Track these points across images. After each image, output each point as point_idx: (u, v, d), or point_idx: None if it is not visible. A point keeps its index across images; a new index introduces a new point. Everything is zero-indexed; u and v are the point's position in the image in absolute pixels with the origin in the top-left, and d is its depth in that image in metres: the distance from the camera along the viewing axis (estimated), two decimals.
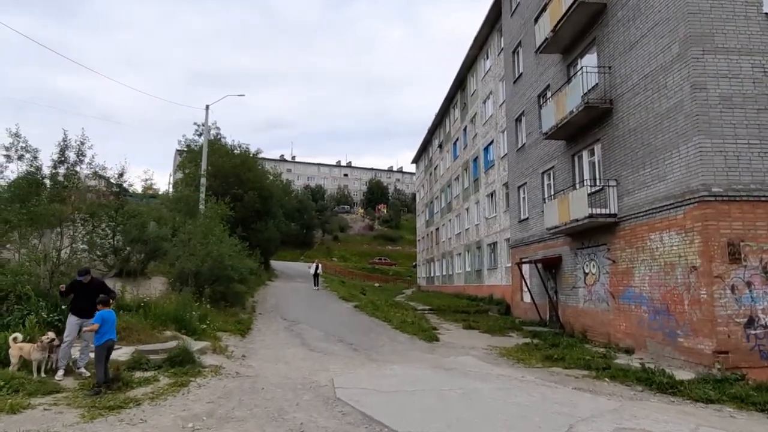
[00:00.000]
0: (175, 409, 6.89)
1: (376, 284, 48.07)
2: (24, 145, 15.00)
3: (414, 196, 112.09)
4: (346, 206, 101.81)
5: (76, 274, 9.74)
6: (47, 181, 14.35)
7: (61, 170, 14.75)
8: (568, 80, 16.82)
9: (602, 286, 15.23)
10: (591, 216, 14.51)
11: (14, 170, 15.10)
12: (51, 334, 8.76)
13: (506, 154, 25.54)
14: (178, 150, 31.40)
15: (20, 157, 14.82)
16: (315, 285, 31.25)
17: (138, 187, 20.03)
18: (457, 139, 36.89)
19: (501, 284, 26.42)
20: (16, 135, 14.88)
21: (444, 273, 40.22)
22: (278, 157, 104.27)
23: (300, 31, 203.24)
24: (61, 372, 8.71)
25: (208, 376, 9.28)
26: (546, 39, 17.55)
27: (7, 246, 14.92)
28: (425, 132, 47.46)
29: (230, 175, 35.65)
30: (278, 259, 53.64)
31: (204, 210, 23.60)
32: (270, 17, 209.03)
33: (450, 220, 38.60)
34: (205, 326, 12.98)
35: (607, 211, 14.55)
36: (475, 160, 32.17)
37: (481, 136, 31.07)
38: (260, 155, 40.99)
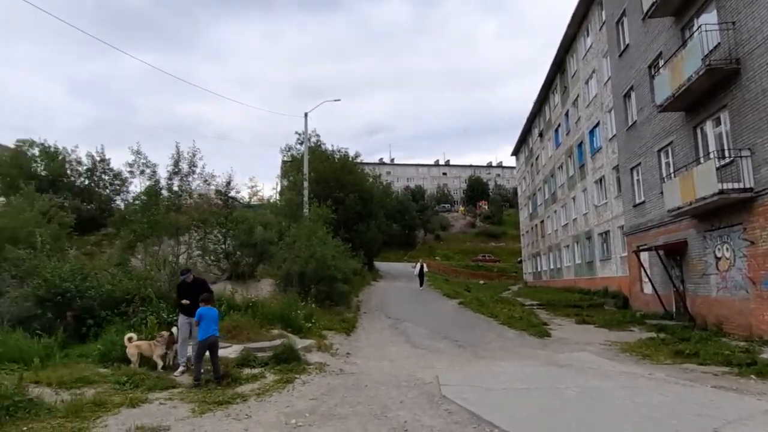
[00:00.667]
0: (279, 406, 6.88)
1: (481, 281, 46.87)
2: (145, 161, 16.40)
3: (515, 190, 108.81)
4: (446, 205, 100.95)
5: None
6: (165, 192, 15.50)
7: (176, 181, 15.86)
8: (684, 44, 14.98)
9: (739, 272, 13.31)
10: (721, 192, 12.73)
11: (137, 184, 16.51)
12: (165, 333, 9.26)
13: (615, 135, 23.52)
14: (283, 160, 32.67)
15: (142, 172, 16.19)
16: (420, 285, 30.89)
17: (245, 195, 21.12)
18: (559, 126, 34.80)
19: (616, 275, 24.34)
20: (138, 152, 16.32)
21: (551, 267, 38.15)
22: (377, 161, 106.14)
23: (392, 37, 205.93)
24: (180, 368, 9.18)
25: (312, 373, 9.29)
26: (654, 2, 15.81)
27: (136, 255, 16.31)
28: (524, 122, 45.54)
29: (331, 179, 36.61)
30: (381, 260, 54.31)
31: (307, 214, 24.40)
32: (362, 27, 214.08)
33: (555, 212, 36.52)
34: (310, 325, 13.18)
35: (741, 186, 12.68)
36: (580, 145, 30.09)
37: (585, 119, 28.99)
38: (359, 159, 41.63)
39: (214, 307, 9.00)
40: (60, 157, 37.57)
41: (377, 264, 47.17)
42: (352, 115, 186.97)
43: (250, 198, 21.74)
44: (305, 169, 30.50)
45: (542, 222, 41.33)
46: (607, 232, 25.83)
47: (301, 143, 36.52)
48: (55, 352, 9.25)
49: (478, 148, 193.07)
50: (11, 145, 42.22)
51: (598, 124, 26.79)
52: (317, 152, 38.07)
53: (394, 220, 61.13)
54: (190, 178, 15.94)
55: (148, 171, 16.43)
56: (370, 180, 44.06)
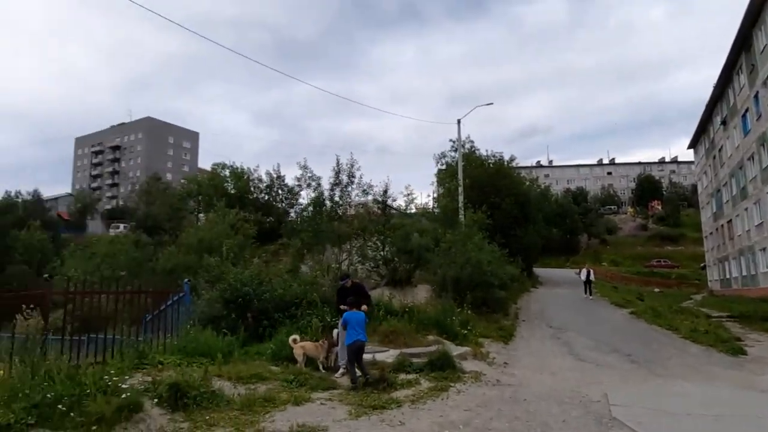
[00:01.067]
0: (433, 414, 6.78)
1: (656, 289, 41.98)
2: (311, 175, 17.72)
3: (694, 187, 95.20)
4: (612, 207, 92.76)
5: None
6: (328, 203, 16.58)
7: (337, 192, 16.87)
8: None
9: None
10: None
11: (304, 196, 17.94)
12: (329, 340, 9.76)
13: None
14: (438, 169, 33.03)
15: (308, 185, 17.53)
16: (586, 293, 28.43)
17: (401, 203, 21.70)
18: (747, 111, 29.69)
19: None
20: (304, 167, 17.72)
21: (744, 273, 32.59)
22: (534, 164, 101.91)
23: (547, 35, 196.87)
24: (341, 371, 9.62)
25: (467, 382, 9.05)
26: None
27: (305, 261, 17.66)
28: (701, 111, 39.92)
29: (486, 184, 36.01)
30: (541, 266, 51.77)
31: (463, 220, 24.28)
32: (515, 28, 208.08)
33: (746, 209, 31.14)
34: (466, 332, 12.95)
35: None
36: None
37: None
38: (514, 162, 40.41)
39: (361, 311, 9.26)
40: (245, 177, 42.88)
41: (537, 270, 45.03)
42: (507, 119, 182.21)
43: (406, 206, 22.30)
44: (459, 176, 30.42)
45: (729, 222, 35.61)
46: None
47: (455, 150, 36.66)
48: (235, 349, 10.32)
49: (647, 144, 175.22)
50: (209, 168, 48.76)
51: None
52: (471, 158, 37.77)
53: (554, 225, 57.98)
54: (350, 189, 16.85)
55: (313, 184, 17.77)
56: (527, 183, 42.41)
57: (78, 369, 7.25)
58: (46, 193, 72.88)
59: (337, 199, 16.48)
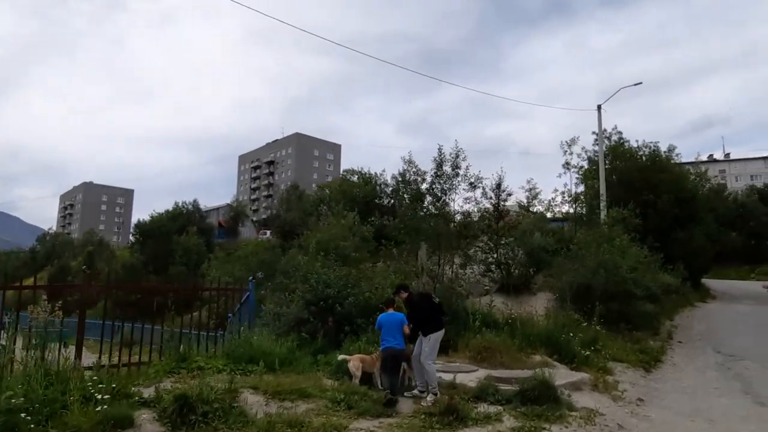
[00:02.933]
0: None
1: None
2: (416, 170, 15.96)
3: None
4: None
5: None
6: (428, 197, 14.65)
7: (438, 185, 14.87)
8: None
9: None
10: None
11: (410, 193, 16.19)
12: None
13: None
14: (566, 161, 29.08)
15: (413, 181, 15.78)
16: None
17: (522, 198, 18.92)
18: None
19: None
20: (409, 161, 16.02)
21: None
22: (706, 158, 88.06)
23: (731, 10, 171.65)
24: (415, 390, 7.74)
25: (571, 424, 6.52)
26: None
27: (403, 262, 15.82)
28: None
29: (636, 179, 31.16)
30: (715, 276, 43.64)
31: (603, 218, 20.69)
32: (685, 8, 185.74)
33: None
34: (588, 353, 10.07)
35: None
36: None
37: None
38: (674, 153, 34.41)
39: (399, 313, 7.90)
40: (372, 182, 42.96)
41: (707, 282, 37.79)
42: (674, 111, 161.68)
43: (528, 202, 19.43)
44: (600, 168, 26.53)
45: None
46: None
47: (596, 143, 32.32)
48: (299, 357, 8.94)
49: None
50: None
51: None
52: (618, 150, 33.07)
53: (731, 228, 48.84)
54: (454, 181, 14.71)
55: (418, 179, 15.97)
56: (693, 178, 35.94)
57: (82, 371, 6.38)
58: (212, 204, 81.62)
59: (438, 192, 14.43)
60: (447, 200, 14.40)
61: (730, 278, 48.42)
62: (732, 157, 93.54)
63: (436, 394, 7.14)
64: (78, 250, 63.51)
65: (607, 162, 33.09)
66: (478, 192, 15.38)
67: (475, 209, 15.45)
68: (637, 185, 30.71)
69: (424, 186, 14.54)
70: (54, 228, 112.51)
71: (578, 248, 16.27)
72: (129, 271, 40.14)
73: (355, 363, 7.73)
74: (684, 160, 38.75)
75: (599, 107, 28.08)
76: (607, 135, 34.53)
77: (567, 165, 23.20)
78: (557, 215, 20.35)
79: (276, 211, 66.27)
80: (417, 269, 12.88)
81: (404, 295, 8.08)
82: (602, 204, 22.52)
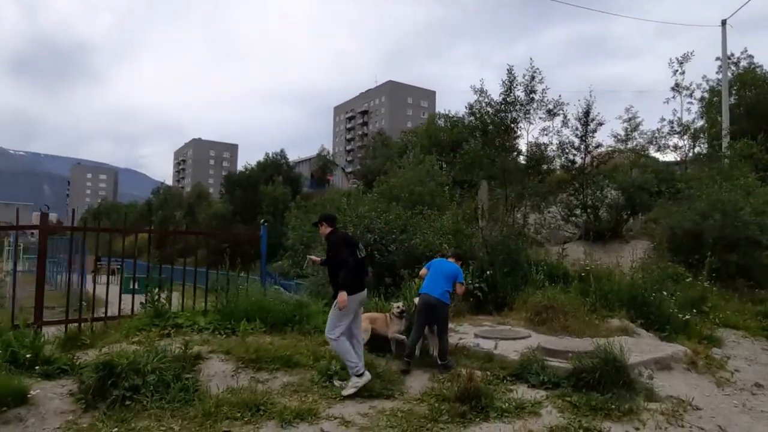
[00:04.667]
0: None
1: None
2: (488, 101, 13.65)
3: None
4: None
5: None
6: (491, 127, 12.42)
7: (511, 113, 12.54)
8: None
9: None
10: None
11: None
12: (401, 304, 6.31)
13: None
14: (677, 83, 23.99)
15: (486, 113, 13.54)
16: None
17: (619, 131, 15.82)
18: None
19: None
20: (481, 91, 13.75)
21: None
22: None
23: None
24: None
25: (647, 424, 4.55)
26: None
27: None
28: None
29: None
30: None
31: (725, 151, 17.09)
32: None
33: None
34: (689, 317, 7.71)
35: None
36: None
37: None
38: None
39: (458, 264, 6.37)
40: (459, 125, 40.40)
41: None
42: None
43: (627, 134, 16.28)
44: (724, 94, 22.11)
45: None
46: None
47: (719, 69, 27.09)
48: (307, 314, 7.60)
49: None
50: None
51: None
52: (747, 77, 27.64)
53: None
54: (529, 108, 12.29)
55: (490, 110, 13.65)
56: None
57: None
58: (305, 155, 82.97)
59: (508, 122, 12.08)
60: (517, 130, 12.11)
61: None
62: None
63: (360, 375, 5.08)
64: (185, 202, 67.77)
65: (733, 92, 27.93)
66: (558, 121, 12.85)
67: (555, 141, 12.99)
68: None
69: (484, 111, 12.31)
70: (168, 182, 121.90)
71: (688, 187, 13.31)
72: (220, 220, 41.56)
73: (363, 324, 6.16)
74: None
75: (724, 22, 23.16)
76: (734, 60, 29.03)
77: (677, 87, 19.12)
78: (663, 149, 16.98)
79: (363, 159, 65.81)
80: (478, 212, 10.93)
81: (326, 229, 5.62)
82: (724, 135, 18.57)
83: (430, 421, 4.52)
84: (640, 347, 6.31)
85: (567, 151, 13.19)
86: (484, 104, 13.11)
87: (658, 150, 16.18)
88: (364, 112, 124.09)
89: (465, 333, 7.19)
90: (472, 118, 12.81)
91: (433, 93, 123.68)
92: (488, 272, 8.95)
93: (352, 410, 4.74)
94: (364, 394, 5.05)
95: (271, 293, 7.99)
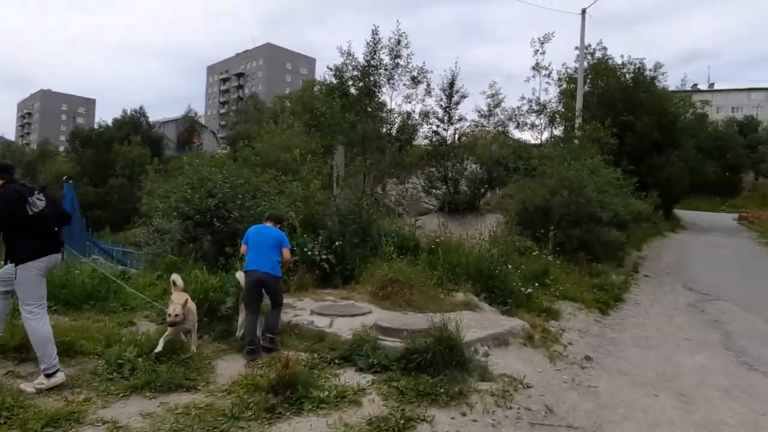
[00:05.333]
0: None
1: None
2: (355, 64, 12.76)
3: None
4: None
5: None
6: (353, 90, 11.69)
7: (372, 77, 11.86)
8: None
9: None
10: None
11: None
12: (175, 308, 4.98)
13: None
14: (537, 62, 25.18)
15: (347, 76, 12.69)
16: None
17: (482, 105, 15.98)
18: None
19: None
20: (348, 53, 12.81)
21: None
22: (690, 87, 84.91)
23: None
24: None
25: (474, 408, 4.15)
26: None
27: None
28: None
29: (617, 99, 28.64)
30: (686, 207, 42.36)
31: (577, 133, 18.15)
32: None
33: None
34: (532, 290, 7.70)
35: None
36: None
37: None
38: (659, 71, 31.47)
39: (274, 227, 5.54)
40: (335, 93, 39.46)
41: (679, 212, 36.35)
42: (663, 43, 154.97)
43: (489, 110, 16.54)
44: (579, 81, 23.66)
45: None
46: None
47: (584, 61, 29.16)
48: (118, 288, 6.34)
49: None
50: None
51: None
52: (601, 67, 30.16)
53: (709, 158, 47.16)
54: (394, 73, 11.73)
55: (356, 74, 12.81)
56: (676, 102, 33.28)
57: None
58: (172, 115, 76.43)
59: (371, 85, 11.44)
60: (379, 95, 11.51)
61: (700, 209, 47.45)
62: (716, 87, 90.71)
63: (50, 375, 3.98)
64: (26, 160, 59.21)
65: (588, 80, 30.28)
66: (422, 89, 12.46)
67: (418, 110, 12.62)
68: (618, 105, 28.28)
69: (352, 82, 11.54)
70: (9, 137, 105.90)
71: (541, 164, 13.80)
72: (59, 181, 36.66)
73: (174, 307, 4.97)
74: (669, 87, 35.84)
75: (584, 11, 24.72)
76: (591, 51, 31.49)
77: (537, 66, 19.87)
78: (522, 127, 17.63)
79: (234, 123, 62.29)
80: (323, 177, 10.17)
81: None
82: (577, 116, 19.80)
83: (230, 418, 3.70)
84: (480, 323, 6.03)
85: (431, 121, 12.93)
86: (350, 67, 12.34)
87: (518, 127, 16.73)
88: (240, 75, 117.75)
89: (303, 309, 6.44)
90: (333, 79, 11.94)
91: (314, 60, 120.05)
92: (338, 243, 8.29)
93: (134, 409, 3.77)
94: (159, 386, 4.07)
95: (83, 265, 6.57)
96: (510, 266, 7.91)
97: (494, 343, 5.61)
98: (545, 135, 20.04)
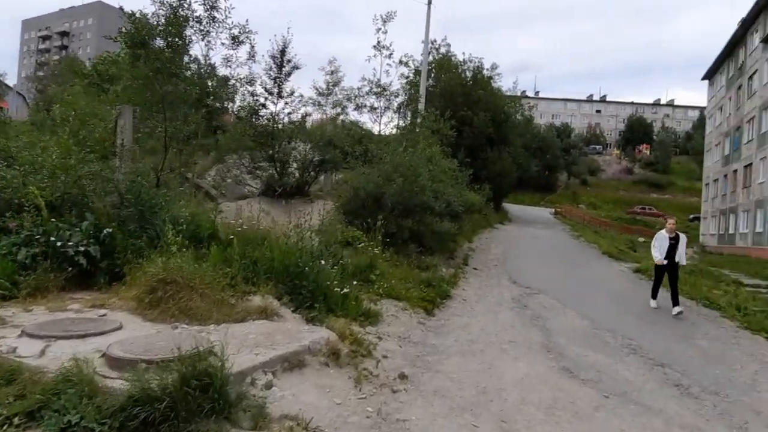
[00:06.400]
0: None
1: (640, 239, 36.72)
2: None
3: (689, 134, 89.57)
4: (597, 146, 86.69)
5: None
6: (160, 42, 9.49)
7: (183, 30, 9.77)
8: None
9: None
10: None
11: None
12: None
13: None
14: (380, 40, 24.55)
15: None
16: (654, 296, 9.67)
17: (321, 82, 14.62)
18: None
19: None
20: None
21: (759, 229, 27.16)
22: (519, 94, 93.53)
23: None
24: None
25: None
26: None
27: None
28: (712, 57, 32.78)
29: (458, 94, 29.47)
30: (513, 201, 46.09)
31: (419, 120, 17.76)
32: None
33: None
34: (348, 290, 6.52)
35: None
36: None
37: None
38: (496, 72, 33.25)
39: None
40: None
41: (508, 206, 39.21)
42: (499, 53, 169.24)
43: (328, 88, 15.29)
44: (423, 72, 23.56)
45: (748, 167, 29.65)
46: None
47: (430, 54, 29.45)
48: None
49: (645, 92, 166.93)
50: None
51: None
52: (445, 63, 30.94)
53: (533, 157, 51.96)
54: (211, 29, 9.79)
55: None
56: (509, 103, 35.56)
57: None
58: None
59: (178, 40, 9.38)
60: (190, 52, 9.50)
61: (525, 203, 52.12)
62: (541, 95, 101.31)
63: None
64: None
65: (431, 74, 30.77)
66: (244, 51, 10.68)
67: (242, 76, 10.83)
68: (458, 100, 29.07)
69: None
70: None
71: (379, 149, 12.93)
72: None
73: None
74: (503, 89, 38.30)
75: (430, 1, 24.71)
76: (436, 46, 32.16)
77: (379, 46, 19.01)
78: (361, 108, 16.70)
79: (45, 85, 53.29)
80: (117, 148, 8.00)
81: None
82: (420, 103, 19.49)
83: None
84: (272, 337, 4.66)
85: (256, 92, 11.22)
86: (161, 16, 10.09)
87: (357, 109, 15.72)
88: (64, 33, 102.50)
89: (18, 326, 4.46)
90: (132, 27, 9.58)
91: None
92: (107, 230, 6.30)
93: None
94: None
95: None
96: (324, 261, 6.65)
97: (284, 367, 4.26)
98: (384, 119, 19.43)
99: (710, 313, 9.21)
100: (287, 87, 11.86)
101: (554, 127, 78.78)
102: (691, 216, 51.04)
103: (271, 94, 11.43)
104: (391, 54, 19.16)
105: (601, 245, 20.05)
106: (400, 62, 19.12)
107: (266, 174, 11.46)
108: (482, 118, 28.84)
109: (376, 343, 5.54)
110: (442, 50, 31.96)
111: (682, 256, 9.21)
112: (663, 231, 9.48)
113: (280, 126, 11.38)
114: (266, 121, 11.42)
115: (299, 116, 11.94)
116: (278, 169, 11.57)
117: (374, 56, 18.71)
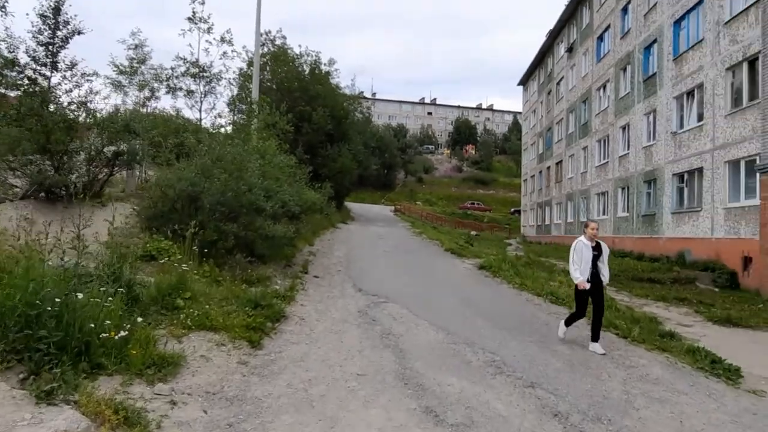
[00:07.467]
0: None
1: (473, 232, 38.89)
2: None
3: (506, 136, 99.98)
4: (430, 146, 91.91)
5: None
6: None
7: None
8: None
9: None
10: None
11: None
12: None
13: (746, 9, 14.82)
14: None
15: None
16: (569, 323, 7.28)
17: (123, 60, 11.84)
18: (607, 29, 25.54)
19: (710, 237, 16.25)
20: None
21: (569, 220, 30.14)
22: (357, 94, 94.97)
23: None
24: None
25: None
26: None
27: None
28: (525, 66, 36.25)
29: (295, 88, 27.88)
30: (355, 200, 45.95)
31: (254, 108, 15.72)
32: None
33: (585, 148, 27.93)
34: (129, 326, 4.54)
35: None
36: (650, 47, 21.10)
37: (667, 5, 19.86)
38: (334, 67, 32.28)
39: None
40: None
41: (350, 205, 38.71)
42: (339, 56, 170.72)
43: (132, 66, 12.53)
44: (256, 64, 21.38)
45: (559, 163, 32.85)
46: (695, 171, 17.36)
47: (262, 46, 27.28)
48: None
49: (469, 98, 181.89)
50: None
51: (697, 5, 17.75)
52: (281, 56, 29.18)
53: (372, 155, 52.57)
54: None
55: None
56: (348, 101, 34.98)
57: None
58: None
59: None
60: None
61: (366, 202, 52.46)
62: (378, 97, 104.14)
63: None
64: None
65: (267, 67, 28.77)
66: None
67: None
68: (295, 95, 27.56)
69: None
70: None
71: (198, 141, 10.78)
72: None
73: None
74: (342, 86, 37.61)
75: None
76: (271, 38, 30.25)
77: (194, 18, 15.64)
78: (176, 91, 14.13)
79: None
80: None
81: None
82: (253, 105, 17.36)
83: None
84: None
85: (17, 59, 8.32)
86: None
87: (170, 92, 13.19)
88: None
89: None
90: None
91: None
92: None
93: None
94: None
95: None
96: (98, 289, 4.58)
97: None
98: (206, 105, 16.96)
99: (559, 310, 8.93)
100: (65, 57, 9.10)
101: (391, 128, 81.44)
102: (513, 209, 56.08)
103: (38, 62, 8.62)
104: (209, 28, 16.32)
105: (443, 242, 20.03)
106: (222, 40, 16.55)
107: (35, 170, 8.59)
108: (321, 114, 27.69)
109: (166, 415, 3.71)
110: (278, 42, 30.20)
111: (605, 273, 6.82)
112: (582, 238, 6.88)
113: (53, 107, 8.61)
114: (32, 98, 8.55)
115: (83, 94, 9.22)
116: (55, 164, 8.78)
117: (189, 30, 15.78)
